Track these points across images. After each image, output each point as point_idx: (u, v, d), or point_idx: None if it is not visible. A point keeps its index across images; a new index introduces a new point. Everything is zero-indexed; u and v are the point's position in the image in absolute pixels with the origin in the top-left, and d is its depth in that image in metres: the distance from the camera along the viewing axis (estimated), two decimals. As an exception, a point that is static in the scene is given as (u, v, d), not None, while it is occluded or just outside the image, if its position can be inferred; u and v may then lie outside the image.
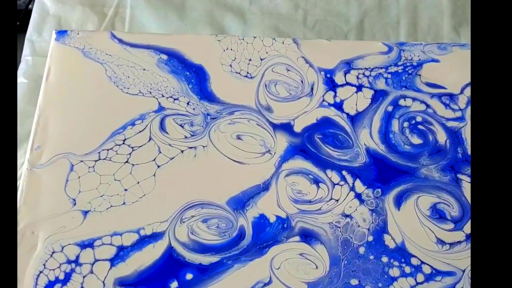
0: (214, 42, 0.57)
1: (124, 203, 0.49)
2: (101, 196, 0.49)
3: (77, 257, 0.47)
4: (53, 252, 0.46)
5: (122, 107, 0.53)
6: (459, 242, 0.47)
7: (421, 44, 0.57)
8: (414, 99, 0.54)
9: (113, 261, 0.46)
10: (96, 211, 0.48)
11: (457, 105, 0.53)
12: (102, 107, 0.53)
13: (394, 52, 0.56)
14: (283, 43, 0.57)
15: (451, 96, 0.54)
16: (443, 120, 0.52)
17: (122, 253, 0.47)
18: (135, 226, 0.48)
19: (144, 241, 0.47)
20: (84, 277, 0.46)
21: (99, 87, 0.54)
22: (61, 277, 0.46)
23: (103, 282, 0.46)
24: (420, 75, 0.55)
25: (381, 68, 0.56)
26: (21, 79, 0.71)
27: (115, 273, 0.46)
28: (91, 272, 0.46)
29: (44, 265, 0.46)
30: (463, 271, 0.46)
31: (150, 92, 0.54)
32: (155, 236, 0.47)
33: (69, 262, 0.46)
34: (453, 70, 0.55)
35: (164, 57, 0.55)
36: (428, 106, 0.53)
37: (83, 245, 0.47)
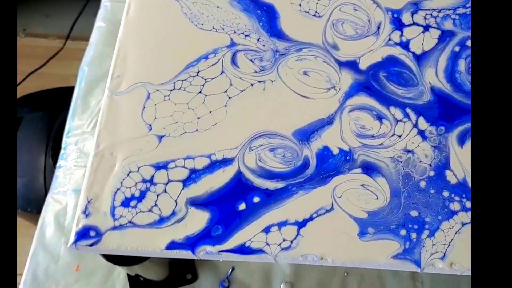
0: None
1: (197, 130, 0.51)
2: (176, 122, 0.52)
3: (152, 177, 0.50)
4: (129, 172, 0.50)
5: (196, 42, 0.55)
6: None
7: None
8: None
9: (186, 182, 0.49)
10: (171, 136, 0.51)
11: None
12: (178, 41, 0.55)
13: None
14: None
15: None
16: None
17: (194, 175, 0.50)
18: (207, 151, 0.51)
19: (215, 165, 0.50)
20: (158, 195, 0.49)
21: (175, 22, 0.56)
22: (137, 194, 0.49)
23: (175, 201, 0.49)
24: None
25: (449, 9, 0.55)
26: (99, 23, 0.75)
27: (187, 193, 0.49)
28: (165, 191, 0.49)
29: (121, 183, 0.49)
30: None
31: (223, 29, 0.56)
32: (226, 162, 0.50)
33: (144, 181, 0.50)
34: None
35: None
36: None
37: (158, 167, 0.50)
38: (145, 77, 0.54)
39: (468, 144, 0.49)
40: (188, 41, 0.56)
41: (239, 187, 0.50)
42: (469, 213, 0.47)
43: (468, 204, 0.47)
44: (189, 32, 0.56)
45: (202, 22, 0.56)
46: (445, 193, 0.48)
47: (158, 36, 0.56)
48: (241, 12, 0.56)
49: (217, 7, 0.57)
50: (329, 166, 0.50)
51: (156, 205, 0.49)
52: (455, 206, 0.47)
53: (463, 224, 0.47)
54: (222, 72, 0.54)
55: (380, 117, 0.51)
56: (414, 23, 0.55)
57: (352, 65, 0.53)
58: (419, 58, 0.53)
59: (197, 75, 0.54)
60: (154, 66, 0.55)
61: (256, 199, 0.49)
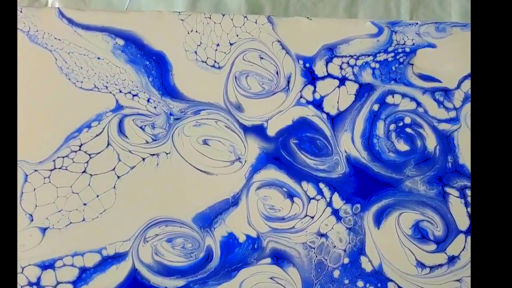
0: (176, 22, 0.54)
1: (84, 219, 0.51)
2: (59, 211, 0.51)
3: (39, 279, 0.49)
4: None
5: (76, 106, 0.54)
6: (440, 265, 0.49)
7: (417, 23, 0.54)
8: (403, 95, 0.53)
9: (76, 283, 0.50)
10: (55, 228, 0.51)
11: (451, 103, 0.53)
12: (54, 105, 0.54)
13: (385, 34, 0.55)
14: (256, 22, 0.55)
15: (446, 92, 0.54)
16: (435, 122, 0.53)
17: (84, 275, 0.50)
18: (97, 246, 0.51)
19: (107, 262, 0.50)
20: None
21: (49, 80, 0.54)
22: None
23: None
24: (412, 64, 0.54)
25: (369, 55, 0.53)
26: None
27: None
28: None
29: None
30: None
31: (107, 87, 0.53)
32: (118, 257, 0.51)
33: (30, 284, 0.49)
34: (451, 59, 0.55)
35: (121, 42, 0.53)
36: (419, 104, 0.53)
37: (44, 266, 0.50)
38: (19, 154, 0.52)
39: (384, 225, 0.49)
40: (67, 106, 0.54)
41: (134, 287, 0.50)
42: (384, 305, 0.47)
43: (383, 295, 0.47)
44: (66, 93, 0.55)
45: (81, 80, 0.53)
46: (360, 283, 0.49)
47: (31, 100, 0.54)
48: (126, 64, 0.53)
49: (98, 58, 0.51)
50: (235, 257, 0.49)
51: (43, 312, 0.53)
52: None
53: (378, 318, 0.47)
54: (108, 145, 0.50)
55: (291, 195, 0.49)
56: (329, 75, 0.52)
57: (259, 130, 0.52)
58: (334, 121, 0.51)
59: (79, 149, 0.53)
60: (29, 139, 0.53)
61: None
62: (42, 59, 0.55)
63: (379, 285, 0.51)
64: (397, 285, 0.51)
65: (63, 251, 0.50)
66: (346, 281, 0.51)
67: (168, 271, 0.50)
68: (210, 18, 0.58)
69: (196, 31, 0.58)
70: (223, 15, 0.59)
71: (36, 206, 0.51)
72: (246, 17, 0.59)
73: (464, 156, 0.54)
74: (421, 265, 0.52)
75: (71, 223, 0.51)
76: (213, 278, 0.50)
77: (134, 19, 0.58)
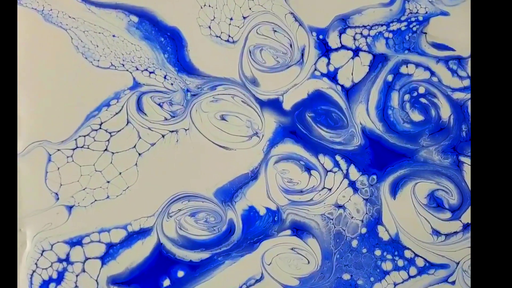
0: None
1: (108, 197, 0.53)
2: (84, 189, 0.52)
3: (68, 255, 0.51)
4: (43, 251, 0.51)
5: (94, 84, 0.55)
6: (456, 232, 0.51)
7: (429, -9, 0.54)
8: (417, 65, 0.54)
9: (104, 259, 0.52)
10: (81, 206, 0.52)
11: (465, 71, 0.54)
12: (73, 85, 0.54)
13: (397, 3, 0.56)
14: None
15: (460, 60, 0.55)
16: (449, 91, 0.54)
17: (112, 250, 0.52)
18: (122, 222, 0.52)
19: (132, 237, 0.52)
20: (77, 275, 0.51)
21: (66, 59, 0.55)
22: (54, 276, 0.51)
23: (96, 281, 0.51)
24: (425, 33, 0.55)
25: (382, 25, 0.54)
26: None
27: (107, 271, 0.51)
28: (83, 270, 0.51)
29: (36, 264, 0.51)
30: (457, 264, 0.51)
31: (123, 65, 0.54)
32: (143, 232, 0.52)
33: (60, 260, 0.51)
34: (464, 26, 0.54)
35: (135, 19, 0.54)
36: (432, 73, 0.55)
37: (72, 243, 0.52)
38: (42, 134, 0.53)
39: (400, 195, 0.50)
40: (85, 84, 0.55)
41: (160, 261, 0.52)
42: (401, 272, 0.49)
43: (400, 263, 0.50)
44: (84, 72, 0.55)
45: (98, 58, 0.54)
46: (377, 252, 0.52)
47: (50, 80, 0.54)
48: (141, 41, 0.53)
49: (113, 35, 0.52)
50: (256, 229, 0.51)
51: (76, 286, 0.51)
52: (387, 265, 0.51)
53: (395, 285, 0.50)
54: (128, 123, 0.52)
55: (308, 168, 0.51)
56: (343, 46, 0.53)
57: (274, 104, 0.53)
58: (349, 93, 0.52)
59: (100, 128, 0.55)
60: (50, 119, 0.53)
61: (181, 273, 0.53)
62: (58, 39, 0.55)
63: (396, 253, 0.53)
64: (414, 252, 0.53)
65: (89, 228, 0.52)
66: (364, 250, 0.53)
67: (192, 245, 0.52)
68: (222, -9, 0.58)
69: (209, 5, 0.58)
70: (235, -12, 0.59)
71: (61, 185, 0.53)
72: (258, -11, 0.59)
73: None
74: (436, 233, 0.54)
75: (96, 200, 0.53)
76: (236, 250, 0.53)
77: (146, -5, 0.58)
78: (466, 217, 0.54)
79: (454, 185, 0.56)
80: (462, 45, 0.57)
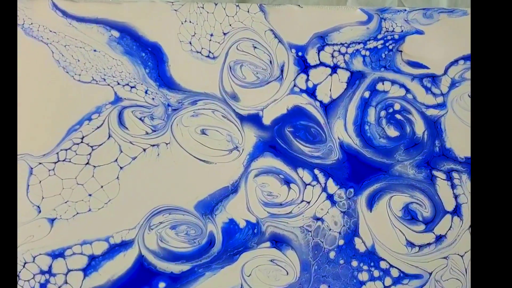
0: (170, 13, 0.58)
1: (90, 210, 0.56)
2: (66, 202, 0.55)
3: (50, 267, 0.54)
4: (25, 263, 0.54)
5: (76, 99, 0.58)
6: (429, 244, 0.55)
7: (405, 10, 0.58)
8: (393, 82, 0.58)
9: (86, 271, 0.55)
10: (63, 218, 0.55)
11: (439, 89, 0.58)
12: (54, 98, 0.57)
13: (374, 21, 0.59)
14: (248, 11, 0.58)
15: (434, 78, 0.58)
16: (423, 108, 0.57)
17: (94, 262, 0.55)
18: (104, 234, 0.55)
19: (114, 249, 0.55)
20: (59, 287, 0.54)
21: (47, 74, 0.58)
22: None
23: None
24: (401, 51, 0.59)
25: (359, 43, 0.57)
26: None
27: (89, 283, 0.54)
28: (66, 282, 0.54)
29: (18, 276, 0.54)
30: (430, 274, 0.54)
31: (104, 79, 0.57)
32: (125, 244, 0.56)
33: (42, 272, 0.54)
34: (438, 45, 0.59)
35: (116, 34, 0.57)
36: (408, 90, 0.58)
37: (54, 255, 0.55)
38: (23, 148, 0.56)
39: (376, 208, 0.54)
40: (66, 98, 0.59)
41: (142, 273, 0.56)
42: (376, 282, 0.53)
43: (376, 273, 0.53)
44: (65, 87, 0.59)
45: (79, 72, 0.56)
46: (354, 263, 0.55)
47: (31, 94, 0.58)
48: (122, 56, 0.56)
49: (94, 50, 0.54)
50: (236, 241, 0.54)
51: (58, 298, 0.59)
52: (363, 276, 0.55)
53: (372, 295, 0.53)
54: (109, 137, 0.54)
55: (288, 181, 0.54)
56: (321, 63, 0.56)
57: (254, 119, 0.56)
58: (327, 108, 0.55)
59: (81, 141, 0.57)
60: (32, 133, 0.57)
61: (162, 285, 0.56)
62: (39, 53, 0.59)
63: (372, 264, 0.57)
64: (389, 263, 0.57)
65: (71, 240, 0.55)
66: (341, 261, 0.57)
67: (173, 257, 0.56)
68: (203, 7, 0.62)
69: (190, 21, 0.61)
70: (216, 5, 0.62)
71: (43, 197, 0.56)
72: (238, 5, 0.62)
73: (451, 140, 0.60)
74: (410, 244, 0.58)
75: (78, 213, 0.56)
76: (216, 262, 0.56)
77: (127, 10, 0.61)
78: (439, 229, 0.58)
79: (427, 199, 0.60)
80: (436, 63, 0.61)
